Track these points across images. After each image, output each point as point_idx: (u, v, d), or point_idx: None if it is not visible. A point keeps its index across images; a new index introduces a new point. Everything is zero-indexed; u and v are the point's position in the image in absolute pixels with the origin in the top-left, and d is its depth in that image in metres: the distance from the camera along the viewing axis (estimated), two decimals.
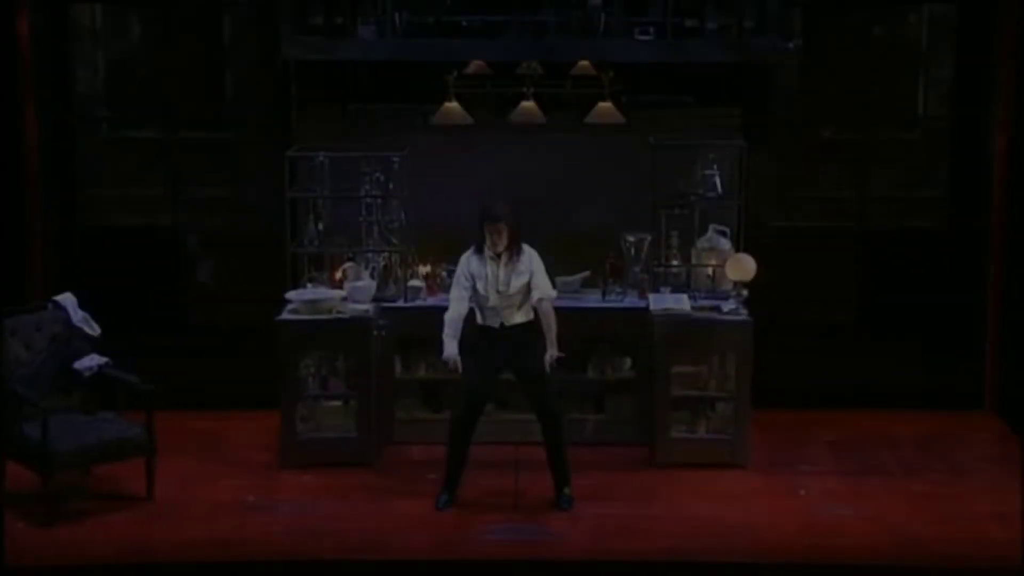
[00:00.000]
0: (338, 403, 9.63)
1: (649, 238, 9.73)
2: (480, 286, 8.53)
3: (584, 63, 10.19)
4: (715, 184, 9.74)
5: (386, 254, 9.77)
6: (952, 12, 10.51)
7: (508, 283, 8.50)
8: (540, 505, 8.67)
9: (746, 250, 9.53)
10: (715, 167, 9.73)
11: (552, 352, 8.48)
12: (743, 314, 9.41)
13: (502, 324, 8.56)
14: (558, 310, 8.62)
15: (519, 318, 8.56)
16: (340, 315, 9.43)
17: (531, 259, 8.54)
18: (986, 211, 10.40)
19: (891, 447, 9.76)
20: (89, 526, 8.38)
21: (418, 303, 9.66)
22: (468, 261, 8.61)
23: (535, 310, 8.56)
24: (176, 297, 10.85)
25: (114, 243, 10.78)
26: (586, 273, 9.83)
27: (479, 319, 8.61)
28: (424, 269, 9.82)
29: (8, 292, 9.58)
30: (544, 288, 8.54)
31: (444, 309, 8.78)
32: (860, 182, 10.77)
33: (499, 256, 8.52)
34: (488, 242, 8.50)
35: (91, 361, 8.95)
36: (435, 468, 8.88)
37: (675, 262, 9.84)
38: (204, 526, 8.40)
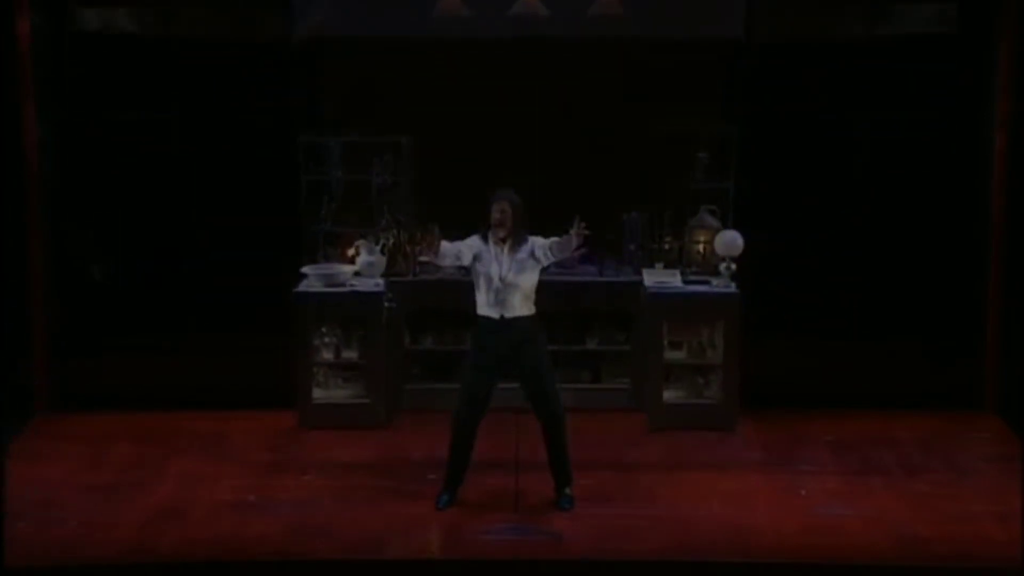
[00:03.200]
0: (350, 372, 10.29)
1: (644, 217, 10.36)
2: (482, 270, 8.52)
3: None
4: (705, 167, 10.39)
5: (395, 232, 10.35)
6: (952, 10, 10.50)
7: (510, 269, 8.49)
8: (540, 505, 8.67)
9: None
10: (706, 152, 10.37)
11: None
12: (732, 287, 9.96)
13: (502, 316, 8.53)
14: (556, 283, 9.15)
15: (520, 311, 8.53)
16: (353, 288, 10.04)
17: (532, 242, 8.53)
18: (986, 211, 10.41)
19: (891, 447, 9.76)
20: (90, 526, 8.38)
21: (424, 277, 10.28)
22: (474, 240, 8.60)
23: (537, 297, 8.58)
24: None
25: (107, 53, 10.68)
26: (584, 249, 10.02)
27: (480, 308, 8.59)
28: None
29: None
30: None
31: (450, 283, 9.91)
32: (860, 181, 10.80)
33: (503, 242, 8.51)
34: (492, 220, 8.49)
35: None
36: (435, 468, 8.88)
37: (668, 239, 10.44)
38: (204, 526, 8.40)
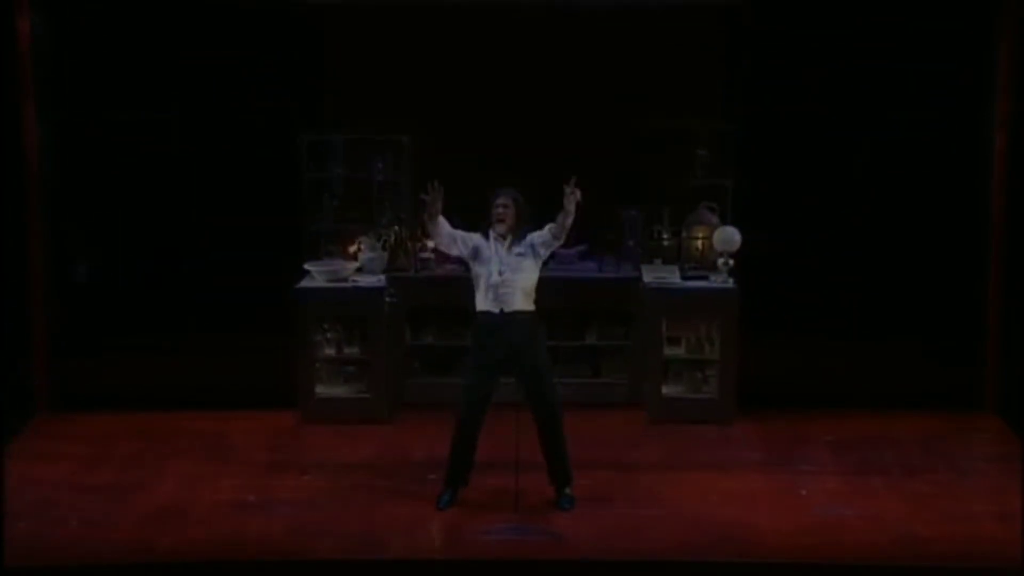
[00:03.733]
0: (352, 367, 10.40)
1: (643, 214, 10.51)
2: (482, 266, 8.53)
3: None
4: (705, 164, 10.56)
5: (396, 228, 10.52)
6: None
7: (509, 266, 8.49)
8: (540, 505, 8.67)
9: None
10: (705, 149, 10.55)
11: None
12: (729, 283, 10.08)
13: (502, 311, 8.52)
14: (557, 280, 9.34)
15: (520, 305, 8.53)
16: (355, 284, 10.21)
17: (531, 237, 8.54)
18: (986, 211, 10.40)
19: (891, 447, 9.76)
20: (89, 526, 8.38)
21: (426, 273, 10.45)
22: (475, 236, 8.62)
23: (538, 292, 8.60)
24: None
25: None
26: (583, 246, 10.54)
27: (479, 305, 8.58)
28: (432, 243, 10.18)
29: None
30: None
31: (451, 279, 10.11)
32: (860, 181, 10.80)
33: (503, 238, 8.52)
34: (495, 216, 8.51)
35: None
36: (435, 468, 8.88)
37: (666, 235, 10.59)
38: (204, 526, 8.39)
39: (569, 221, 8.43)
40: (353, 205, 10.69)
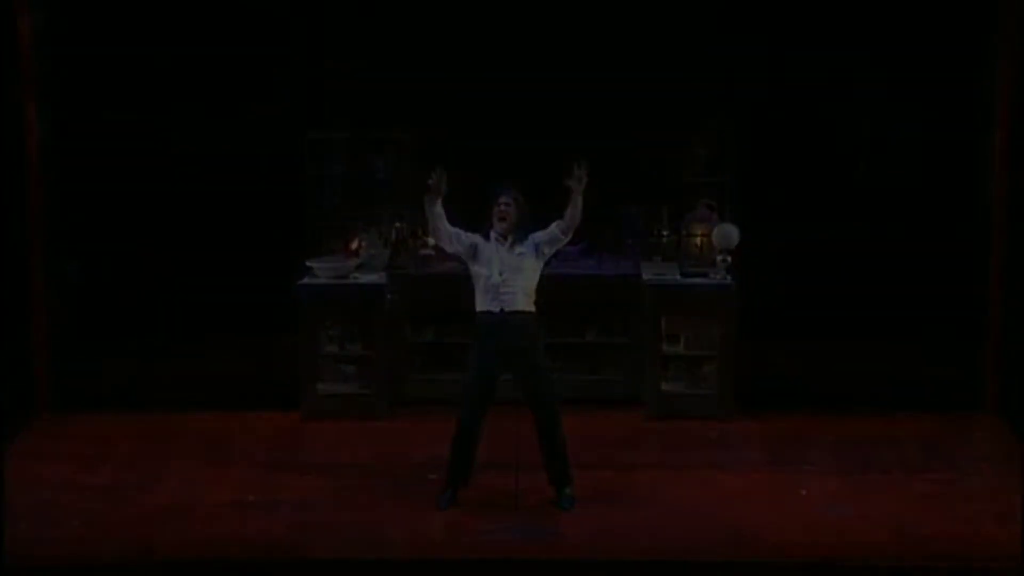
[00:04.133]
0: (353, 364, 10.46)
1: (642, 211, 10.65)
2: (482, 266, 8.53)
3: None
4: (705, 162, 10.67)
5: (397, 226, 10.63)
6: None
7: (510, 264, 8.50)
8: (540, 505, 8.67)
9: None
10: (704, 148, 10.67)
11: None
12: (728, 280, 10.14)
13: (502, 310, 8.52)
14: (556, 277, 9.24)
15: (520, 305, 8.53)
16: (356, 281, 10.28)
17: (532, 238, 8.54)
18: (986, 211, 10.40)
19: (892, 447, 9.76)
20: (89, 526, 8.38)
21: (427, 270, 10.54)
22: (475, 235, 8.62)
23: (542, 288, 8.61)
24: None
25: None
26: (583, 244, 10.54)
27: (479, 305, 8.58)
28: (432, 240, 10.14)
29: None
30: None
31: (452, 277, 9.73)
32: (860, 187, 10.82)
33: (504, 238, 8.53)
34: (496, 213, 8.52)
35: None
36: (436, 468, 8.88)
37: (666, 233, 10.69)
38: (204, 526, 8.39)
39: (578, 214, 8.42)
40: (354, 203, 10.73)
